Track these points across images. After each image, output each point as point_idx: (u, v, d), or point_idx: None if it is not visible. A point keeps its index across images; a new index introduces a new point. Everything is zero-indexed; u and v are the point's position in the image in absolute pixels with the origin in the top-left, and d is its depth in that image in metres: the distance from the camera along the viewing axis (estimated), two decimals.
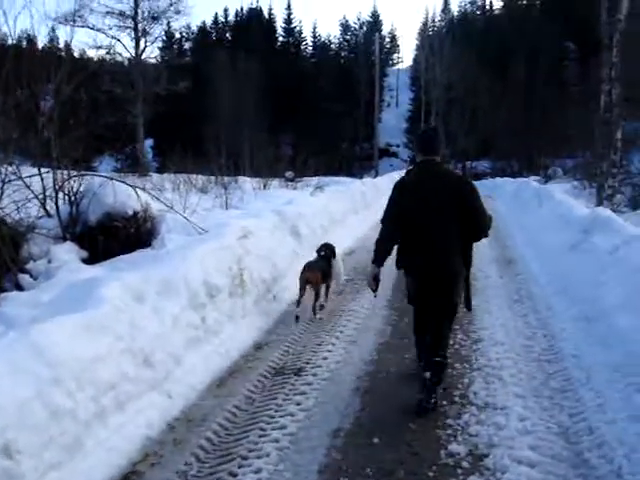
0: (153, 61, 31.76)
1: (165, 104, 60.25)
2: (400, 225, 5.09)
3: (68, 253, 7.02)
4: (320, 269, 7.48)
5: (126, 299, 4.98)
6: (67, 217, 7.53)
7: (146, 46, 29.53)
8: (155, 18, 29.48)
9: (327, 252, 7.89)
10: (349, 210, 14.59)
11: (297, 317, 7.05)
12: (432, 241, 4.97)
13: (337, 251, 8.11)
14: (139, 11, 29.28)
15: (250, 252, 7.30)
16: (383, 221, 5.32)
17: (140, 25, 29.27)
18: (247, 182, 20.11)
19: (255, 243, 7.68)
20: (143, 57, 29.49)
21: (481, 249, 11.68)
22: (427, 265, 5.01)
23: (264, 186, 19.70)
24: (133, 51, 29.20)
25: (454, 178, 5.17)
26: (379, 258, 5.25)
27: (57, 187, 7.50)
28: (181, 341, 5.35)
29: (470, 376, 5.41)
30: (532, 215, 13.56)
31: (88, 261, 7.07)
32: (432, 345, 5.02)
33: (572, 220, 9.75)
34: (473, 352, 6.01)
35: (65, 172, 7.79)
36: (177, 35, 77.05)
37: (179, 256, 6.02)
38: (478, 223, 5.03)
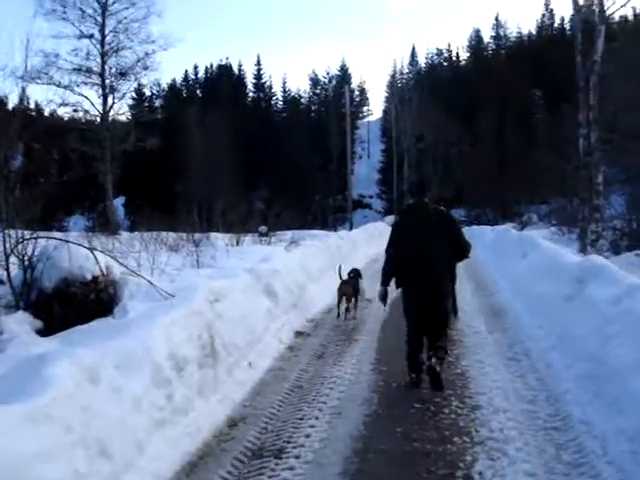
0: (122, 118, 31.37)
1: (136, 161, 60.20)
2: (400, 251, 6.45)
3: (20, 324, 6.32)
4: (352, 286, 9.93)
5: (79, 380, 4.33)
6: (20, 283, 6.86)
7: (114, 103, 29.13)
8: (123, 74, 29.12)
9: (355, 274, 10.37)
10: (326, 265, 14.02)
11: (338, 315, 9.85)
12: (426, 263, 6.27)
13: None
14: (106, 67, 28.97)
15: (222, 316, 6.69)
16: (387, 250, 6.67)
17: (107, 81, 28.92)
18: (219, 238, 19.55)
19: (227, 306, 7.08)
20: (111, 114, 29.04)
21: (467, 299, 11.24)
22: (424, 282, 6.26)
23: (237, 242, 19.11)
24: (101, 108, 28.77)
25: (441, 213, 6.61)
26: (386, 280, 6.63)
27: (9, 250, 6.85)
28: (144, 425, 4.68)
29: (472, 452, 4.78)
30: (516, 263, 13.08)
31: (43, 332, 6.37)
32: (432, 340, 6.33)
33: (562, 268, 9.25)
34: (472, 422, 5.39)
35: (20, 233, 7.16)
36: (147, 92, 77.19)
37: (142, 326, 5.39)
38: (460, 247, 6.51)
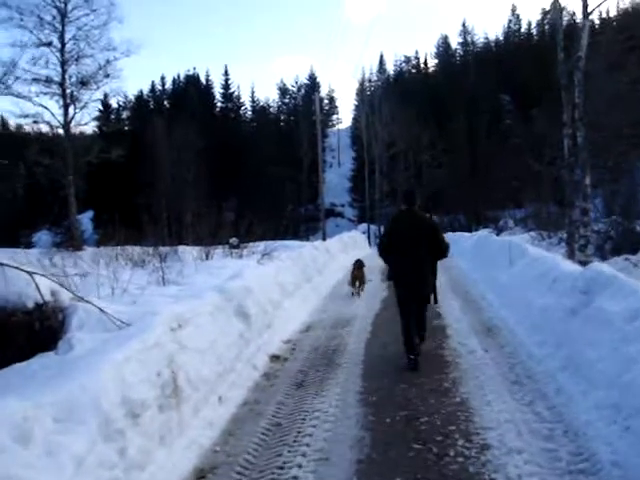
0: (85, 129, 30.17)
1: (104, 174, 58.97)
2: (391, 246, 7.89)
3: None
4: (360, 272, 13.73)
5: (4, 440, 3.46)
6: None
7: (75, 113, 27.89)
8: (84, 83, 27.82)
9: (360, 264, 13.97)
10: (301, 278, 13.18)
11: (352, 293, 13.51)
12: (412, 261, 7.65)
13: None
14: (67, 76, 27.73)
15: (186, 347, 5.79)
16: (382, 239, 8.46)
17: (68, 91, 27.68)
18: (188, 252, 18.60)
19: (193, 333, 6.18)
20: (73, 125, 27.86)
21: (456, 315, 10.44)
22: (409, 278, 7.71)
23: (206, 256, 18.17)
24: (62, 119, 27.57)
25: (426, 219, 8.07)
26: (383, 257, 8.15)
27: None
28: None
29: None
30: (503, 272, 12.27)
31: None
32: (418, 327, 7.85)
33: (559, 278, 8.49)
34: (484, 467, 4.56)
35: None
36: (114, 104, 76.06)
37: (88, 366, 4.48)
38: (441, 248, 7.88)
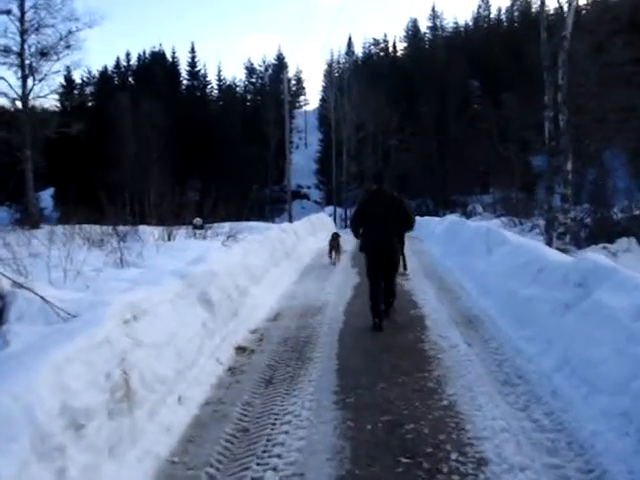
0: (44, 102, 28.92)
1: (66, 150, 57.41)
2: (363, 220, 8.81)
3: None
4: (337, 242, 15.85)
5: None
6: None
7: (34, 85, 26.69)
8: (44, 54, 26.61)
9: (336, 235, 16.19)
10: (269, 262, 12.51)
11: (330, 262, 15.61)
12: (381, 231, 8.56)
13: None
14: (26, 47, 26.52)
15: (142, 342, 5.08)
16: (354, 216, 9.22)
17: (27, 62, 26.50)
18: (149, 232, 17.74)
19: (150, 326, 5.48)
20: (31, 97, 26.66)
21: (433, 304, 9.88)
22: (379, 245, 8.58)
23: (169, 237, 17.35)
24: (20, 90, 26.33)
25: (394, 196, 8.82)
26: (356, 233, 9.02)
27: None
28: None
29: None
30: (480, 260, 11.68)
31: None
32: (388, 293, 8.69)
33: (548, 268, 7.93)
34: None
35: None
36: (77, 79, 74.26)
37: (22, 368, 3.77)
38: (408, 221, 8.78)
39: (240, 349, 7.52)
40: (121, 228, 17.43)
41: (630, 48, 18.83)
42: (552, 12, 23.14)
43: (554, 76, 13.94)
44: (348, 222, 34.58)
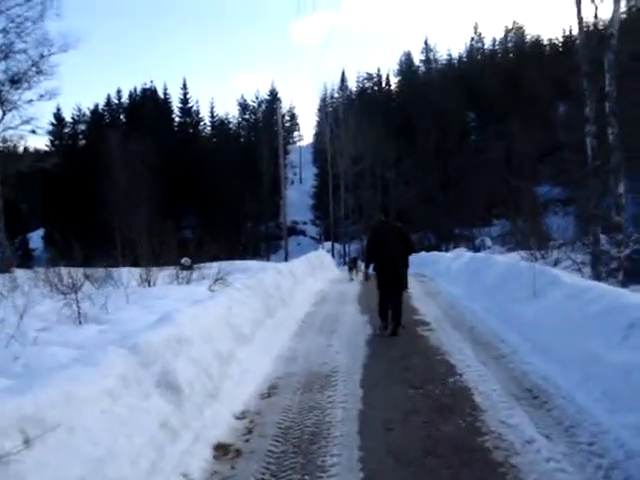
0: (14, 135, 26.64)
1: (56, 190, 55.65)
2: (376, 249, 10.55)
3: None
4: (355, 264, 21.17)
5: None
6: None
7: (4, 115, 24.62)
8: (15, 82, 24.57)
9: (355, 259, 22.64)
10: (262, 313, 10.27)
11: (352, 279, 20.58)
12: (390, 257, 10.29)
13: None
14: None
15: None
16: (368, 249, 11.14)
17: None
18: (130, 275, 15.45)
19: (54, 453, 3.26)
20: (1, 129, 24.58)
21: (474, 367, 7.55)
22: (389, 267, 10.34)
23: (148, 281, 15.10)
24: None
25: (400, 227, 10.67)
26: (368, 265, 10.88)
27: None
28: None
29: None
30: (526, 306, 9.18)
31: None
32: (395, 311, 10.22)
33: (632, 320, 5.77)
34: None
35: None
36: (68, 118, 73.39)
37: None
38: (412, 248, 10.95)
39: (220, 449, 5.24)
40: (100, 271, 15.44)
41: None
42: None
43: (594, 85, 11.80)
44: (347, 259, 34.61)
